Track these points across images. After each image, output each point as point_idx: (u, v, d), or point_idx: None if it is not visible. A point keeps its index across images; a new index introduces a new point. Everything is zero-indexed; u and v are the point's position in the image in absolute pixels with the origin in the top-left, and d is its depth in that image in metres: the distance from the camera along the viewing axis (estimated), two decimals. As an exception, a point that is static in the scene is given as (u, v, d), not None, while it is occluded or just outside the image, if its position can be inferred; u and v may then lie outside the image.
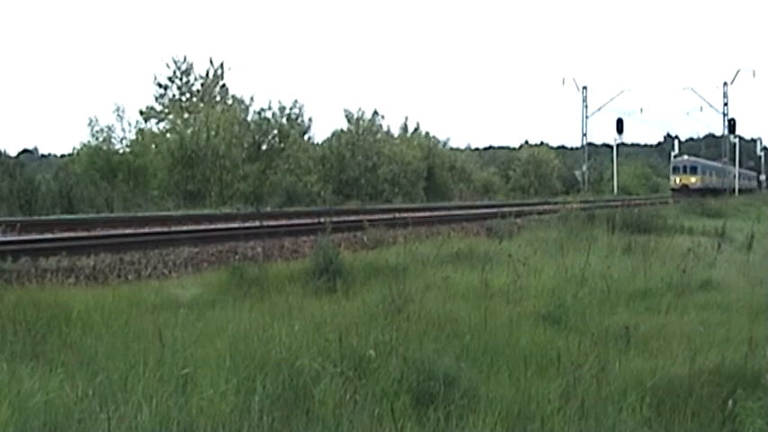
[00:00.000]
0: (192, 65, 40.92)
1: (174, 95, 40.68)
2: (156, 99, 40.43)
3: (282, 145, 38.89)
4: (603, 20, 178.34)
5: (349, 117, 44.05)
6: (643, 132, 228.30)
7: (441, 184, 48.14)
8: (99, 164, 33.21)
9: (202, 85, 40.95)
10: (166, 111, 40.05)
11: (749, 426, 4.01)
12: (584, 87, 59.72)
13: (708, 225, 17.08)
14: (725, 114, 59.09)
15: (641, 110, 62.97)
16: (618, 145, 63.57)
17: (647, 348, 5.55)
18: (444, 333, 5.58)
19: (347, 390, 4.17)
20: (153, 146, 36.08)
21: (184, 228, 15.18)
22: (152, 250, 10.67)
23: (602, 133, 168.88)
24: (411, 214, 18.14)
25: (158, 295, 7.15)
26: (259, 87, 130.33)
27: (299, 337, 5.13)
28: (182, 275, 9.27)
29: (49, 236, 12.82)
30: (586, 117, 59.65)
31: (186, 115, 38.05)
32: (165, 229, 14.58)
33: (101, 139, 34.67)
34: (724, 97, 58.53)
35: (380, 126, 45.53)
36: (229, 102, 40.70)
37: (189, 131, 35.73)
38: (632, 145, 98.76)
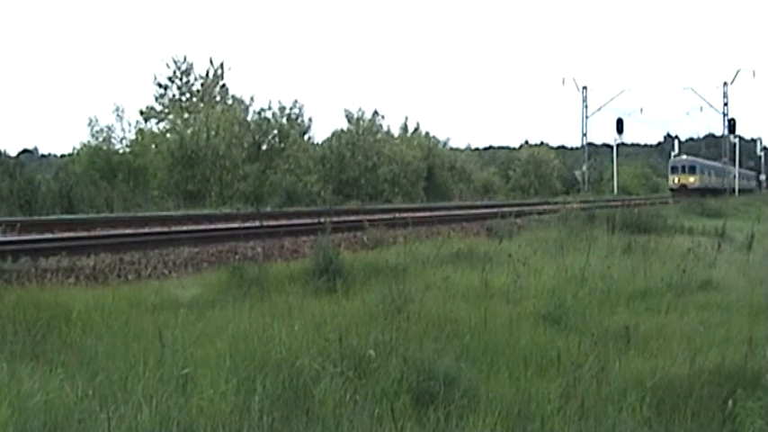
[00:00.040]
0: (191, 65, 41.01)
1: (174, 95, 40.71)
2: (156, 99, 40.51)
3: (282, 145, 38.90)
4: (603, 20, 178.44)
5: (349, 117, 44.12)
6: (643, 132, 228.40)
7: (441, 184, 48.15)
8: (99, 164, 33.22)
9: (202, 85, 40.97)
10: (166, 111, 40.06)
11: (749, 426, 4.01)
12: (585, 87, 59.77)
13: (708, 225, 17.08)
14: (725, 114, 59.10)
15: (641, 110, 62.99)
16: (618, 145, 63.59)
17: (647, 348, 5.55)
18: (444, 333, 5.58)
19: (347, 390, 4.17)
20: (153, 146, 36.10)
21: (184, 228, 15.18)
22: (152, 250, 10.67)
23: (602, 133, 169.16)
24: (411, 214, 18.14)
25: (158, 295, 7.15)
26: (259, 87, 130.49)
27: (299, 337, 5.13)
28: (182, 275, 9.27)
29: (49, 236, 12.82)
30: (586, 117, 59.69)
31: (186, 115, 38.07)
32: (165, 229, 14.58)
33: (101, 139, 34.73)
34: (724, 97, 58.56)
35: (380, 126, 45.62)
36: (229, 102, 40.72)
37: (189, 131, 35.74)
38: (632, 145, 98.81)
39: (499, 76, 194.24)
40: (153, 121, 39.68)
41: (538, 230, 14.82)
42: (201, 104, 39.28)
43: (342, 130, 43.16)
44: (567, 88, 72.53)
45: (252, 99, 40.49)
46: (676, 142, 70.16)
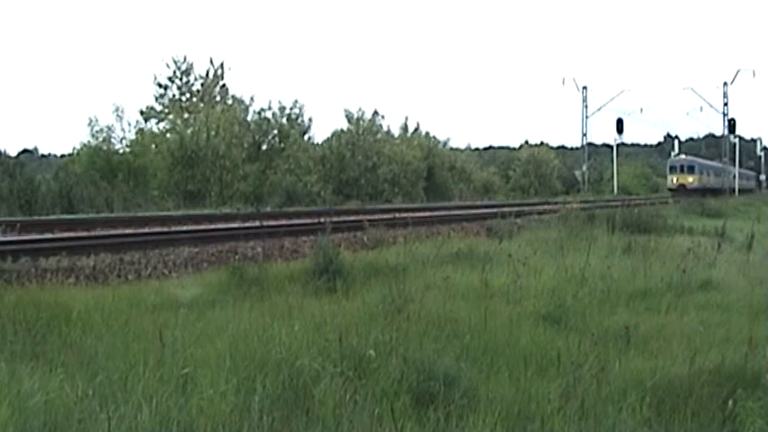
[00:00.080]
0: (192, 65, 41.00)
1: (174, 95, 40.70)
2: (156, 99, 40.50)
3: (282, 145, 38.90)
4: (603, 20, 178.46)
5: (349, 117, 44.10)
6: (643, 132, 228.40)
7: (441, 184, 48.13)
8: (99, 164, 33.21)
9: (202, 85, 40.95)
10: (166, 111, 40.05)
11: (749, 426, 4.01)
12: (585, 87, 59.76)
13: (708, 225, 17.09)
14: (725, 114, 59.06)
15: (641, 110, 62.92)
16: (618, 145, 63.54)
17: (647, 348, 5.55)
18: (444, 333, 5.58)
19: (347, 390, 4.17)
20: (153, 146, 36.09)
21: (184, 228, 15.17)
22: (152, 250, 10.67)
23: (602, 133, 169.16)
24: (411, 214, 18.13)
25: (158, 295, 7.15)
26: (259, 87, 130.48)
27: (299, 337, 5.13)
28: (182, 275, 9.27)
29: (49, 236, 12.82)
30: (586, 117, 59.68)
31: (186, 115, 38.05)
32: (165, 229, 14.57)
33: (101, 139, 34.70)
34: (724, 97, 58.53)
35: (380, 126, 45.59)
36: (229, 102, 40.71)
37: (189, 131, 35.73)
38: (632, 145, 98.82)
39: (499, 76, 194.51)
40: (153, 121, 39.72)
41: (538, 230, 14.82)
42: (201, 104, 39.27)
43: (342, 130, 43.16)
44: (567, 88, 72.64)
45: (252, 99, 40.55)
46: (676, 142, 70.20)
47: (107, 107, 62.03)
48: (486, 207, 28.23)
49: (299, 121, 40.97)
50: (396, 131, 48.49)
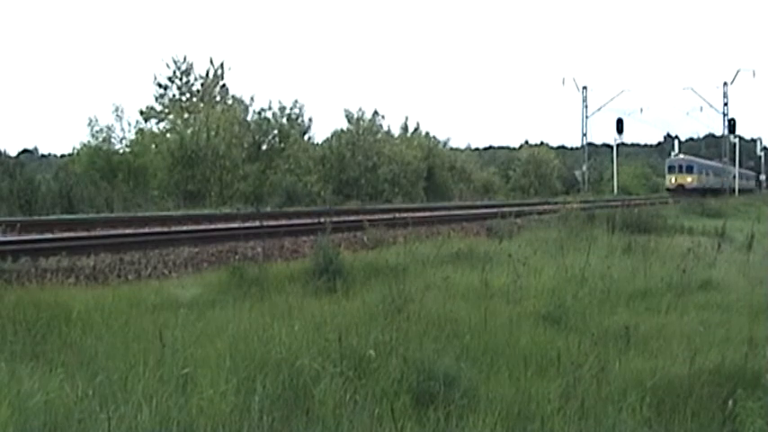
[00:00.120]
0: (191, 65, 40.97)
1: (174, 95, 40.68)
2: (156, 99, 40.48)
3: (282, 145, 38.90)
4: (603, 20, 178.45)
5: (349, 117, 44.11)
6: (643, 132, 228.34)
7: (441, 184, 48.13)
8: (99, 164, 33.21)
9: (202, 85, 40.95)
10: (166, 111, 40.05)
11: (749, 426, 4.01)
12: (585, 87, 59.74)
13: (708, 225, 17.09)
14: (725, 114, 59.04)
15: (641, 110, 62.84)
16: (618, 145, 63.49)
17: (647, 348, 5.55)
18: (444, 333, 5.58)
19: (347, 390, 4.17)
20: (153, 146, 36.09)
21: (184, 228, 15.17)
22: (152, 250, 10.67)
23: (602, 133, 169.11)
24: (411, 214, 18.13)
25: (158, 295, 7.14)
26: (259, 87, 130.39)
27: (299, 337, 5.13)
28: (182, 275, 9.27)
29: (49, 236, 12.82)
30: (586, 117, 59.66)
31: (186, 115, 38.06)
32: (165, 229, 14.57)
33: (101, 139, 34.70)
34: (724, 97, 58.51)
35: (380, 126, 45.59)
36: (229, 102, 40.70)
37: (189, 131, 35.73)
38: (632, 145, 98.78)
39: (499, 76, 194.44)
40: (153, 121, 39.69)
41: (538, 230, 14.82)
42: (201, 104, 39.26)
43: (342, 130, 43.17)
44: (567, 88, 72.60)
45: (252, 99, 40.54)
46: (676, 142, 70.15)
47: (107, 107, 62.01)
48: (486, 207, 28.23)
49: (299, 121, 40.98)
50: (396, 131, 48.56)
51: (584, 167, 58.51)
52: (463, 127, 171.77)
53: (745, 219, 21.62)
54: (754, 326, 6.07)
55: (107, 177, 31.54)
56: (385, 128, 46.25)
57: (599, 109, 59.77)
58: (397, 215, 17.46)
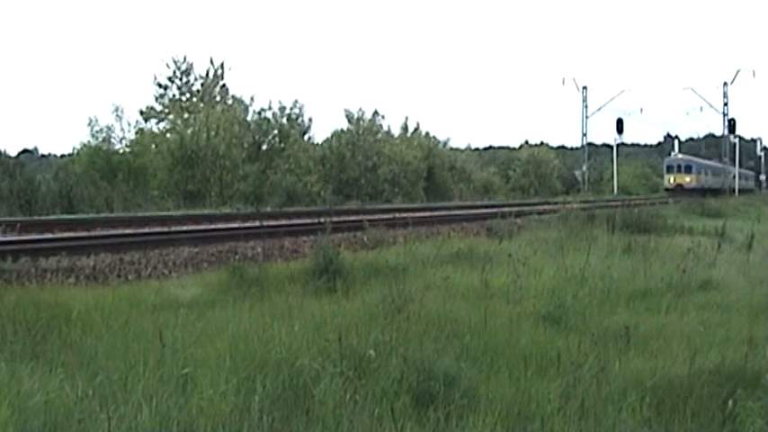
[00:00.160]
0: (191, 65, 40.97)
1: (174, 95, 40.68)
2: (156, 99, 40.48)
3: (282, 145, 38.89)
4: (603, 20, 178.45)
5: (349, 117, 44.09)
6: (643, 132, 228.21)
7: (441, 184, 48.13)
8: (99, 164, 33.20)
9: (202, 85, 40.95)
10: (166, 111, 40.05)
11: (749, 426, 4.01)
12: (585, 87, 59.77)
13: (708, 225, 17.09)
14: (725, 114, 59.05)
15: (641, 110, 62.81)
16: (618, 145, 63.49)
17: (647, 348, 5.55)
18: (444, 333, 5.59)
19: (347, 390, 4.17)
20: (153, 146, 36.09)
21: (184, 228, 15.17)
22: (152, 250, 10.67)
23: (602, 133, 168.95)
24: (411, 214, 18.13)
25: (158, 295, 7.15)
26: (259, 87, 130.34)
27: (299, 337, 5.13)
28: (182, 275, 9.27)
29: (49, 236, 12.82)
30: (586, 117, 59.69)
31: (186, 115, 38.05)
32: (165, 229, 14.57)
33: (101, 139, 34.70)
34: (724, 97, 58.53)
35: (380, 126, 45.56)
36: (229, 102, 40.70)
37: (189, 131, 35.72)
38: (632, 145, 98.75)
39: (499, 76, 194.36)
40: (153, 121, 39.69)
41: (538, 230, 14.82)
42: (201, 104, 39.25)
43: (342, 130, 43.15)
44: (567, 88, 72.65)
45: (252, 99, 40.54)
46: (676, 142, 70.08)
47: (107, 107, 61.98)
48: (486, 207, 28.23)
49: (299, 121, 40.98)
50: (396, 131, 48.53)
51: (584, 167, 58.51)
52: (463, 127, 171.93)
53: (745, 219, 21.62)
54: (754, 326, 6.07)
55: (107, 177, 31.54)
56: (385, 128, 46.30)
57: (599, 109, 59.89)
58: (397, 215, 17.46)
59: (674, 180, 52.64)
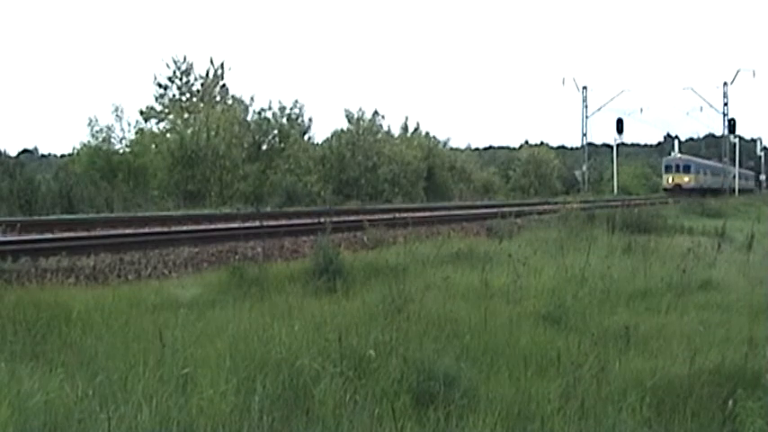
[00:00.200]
0: (191, 65, 40.97)
1: (174, 95, 40.68)
2: (156, 99, 40.48)
3: (282, 145, 38.89)
4: (603, 20, 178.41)
5: (349, 117, 44.10)
6: (643, 132, 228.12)
7: (441, 184, 48.13)
8: (99, 164, 33.20)
9: (202, 85, 40.94)
10: (166, 111, 40.05)
11: (749, 426, 4.01)
12: (585, 87, 59.77)
13: (708, 225, 17.09)
14: (725, 114, 59.04)
15: (641, 110, 62.84)
16: (618, 145, 63.48)
17: (647, 348, 5.55)
18: (444, 333, 5.59)
19: (347, 390, 4.17)
20: (153, 146, 36.09)
21: (184, 228, 15.17)
22: (152, 250, 10.67)
23: (602, 133, 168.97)
24: (411, 214, 18.13)
25: (158, 295, 7.15)
26: (259, 87, 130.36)
27: (299, 337, 5.13)
28: (182, 275, 9.27)
29: (49, 236, 12.82)
30: (586, 117, 59.68)
31: (186, 115, 38.05)
32: (165, 229, 14.57)
33: (101, 139, 34.70)
34: (724, 97, 58.53)
35: (380, 126, 45.56)
36: (229, 102, 40.70)
37: (189, 131, 35.72)
38: (632, 145, 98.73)
39: (499, 76, 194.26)
40: (153, 121, 39.69)
41: (538, 230, 14.82)
42: (201, 104, 39.25)
43: (342, 130, 43.15)
44: (567, 88, 72.69)
45: (252, 99, 40.53)
46: (676, 142, 69.96)
47: (107, 107, 61.97)
48: (486, 207, 28.23)
49: (299, 121, 40.97)
50: (396, 131, 48.53)
51: (584, 167, 58.50)
52: (463, 127, 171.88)
53: (745, 219, 21.62)
54: (754, 326, 6.07)
55: (107, 177, 31.53)
56: (385, 128, 46.29)
57: (599, 109, 59.89)
58: (397, 215, 17.46)
59: (673, 180, 52.48)
